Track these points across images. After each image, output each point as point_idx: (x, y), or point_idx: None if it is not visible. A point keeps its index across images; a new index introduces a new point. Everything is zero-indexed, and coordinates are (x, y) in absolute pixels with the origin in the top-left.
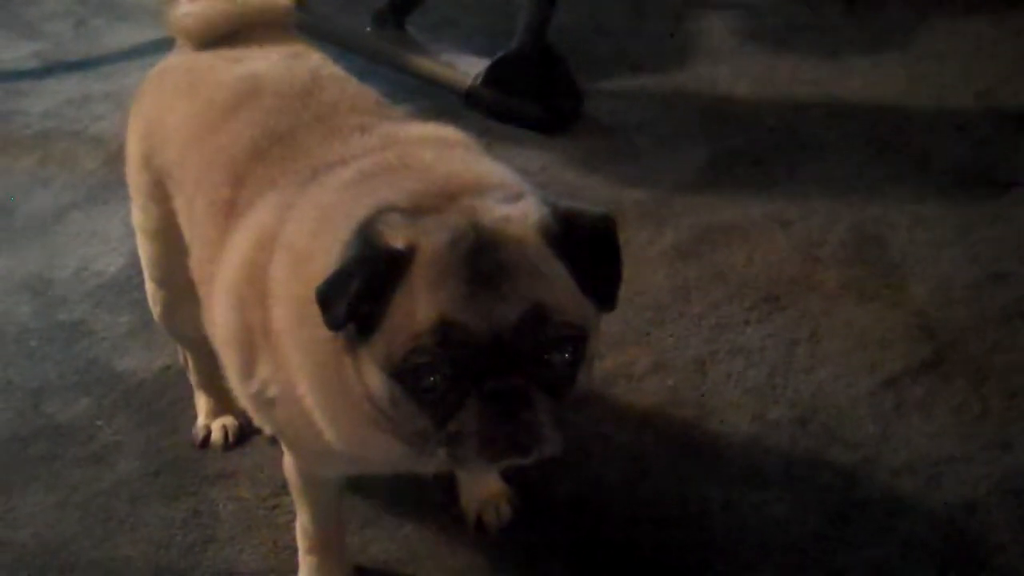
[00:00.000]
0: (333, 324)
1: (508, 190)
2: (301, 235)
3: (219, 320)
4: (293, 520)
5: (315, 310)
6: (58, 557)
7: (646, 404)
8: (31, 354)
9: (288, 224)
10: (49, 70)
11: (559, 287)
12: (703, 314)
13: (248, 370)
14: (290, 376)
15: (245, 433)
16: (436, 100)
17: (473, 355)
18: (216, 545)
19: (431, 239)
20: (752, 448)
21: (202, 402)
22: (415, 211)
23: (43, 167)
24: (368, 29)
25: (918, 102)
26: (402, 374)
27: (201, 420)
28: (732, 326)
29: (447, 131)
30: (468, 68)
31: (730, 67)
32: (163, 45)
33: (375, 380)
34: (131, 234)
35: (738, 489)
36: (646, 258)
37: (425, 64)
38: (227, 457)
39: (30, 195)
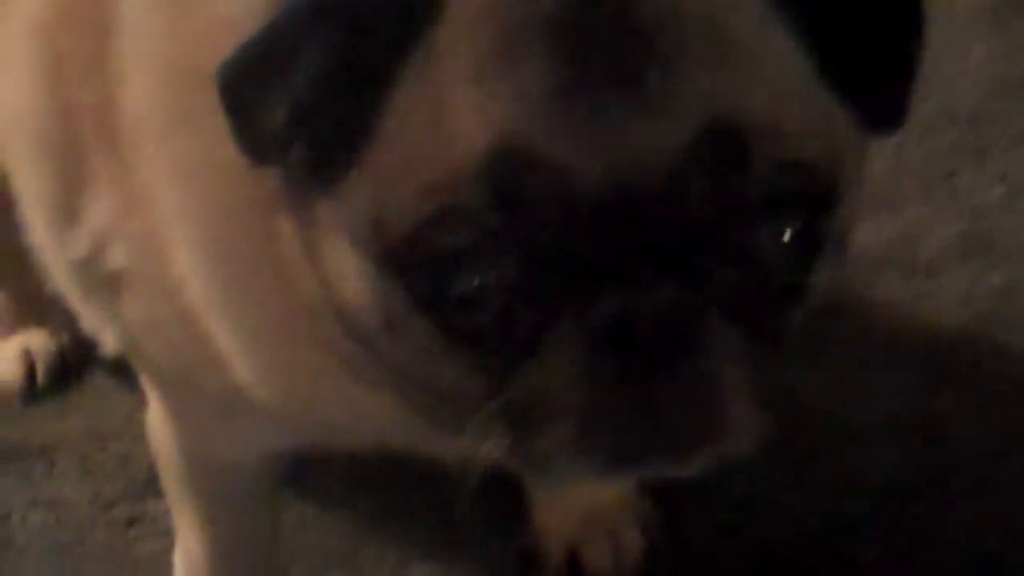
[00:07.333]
0: (257, 147)
1: None
2: None
3: (11, 106)
4: (164, 550)
5: (214, 103)
6: None
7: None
8: None
9: None
10: None
11: (778, 78)
12: None
13: (68, 207)
14: (155, 227)
15: (68, 365)
16: None
17: (576, 232)
18: None
19: None
20: None
21: None
22: None
23: None
24: None
25: None
26: (413, 265)
27: None
28: None
29: None
30: None
31: None
32: None
33: (351, 274)
34: None
35: None
36: None
37: None
38: (31, 416)
39: None
